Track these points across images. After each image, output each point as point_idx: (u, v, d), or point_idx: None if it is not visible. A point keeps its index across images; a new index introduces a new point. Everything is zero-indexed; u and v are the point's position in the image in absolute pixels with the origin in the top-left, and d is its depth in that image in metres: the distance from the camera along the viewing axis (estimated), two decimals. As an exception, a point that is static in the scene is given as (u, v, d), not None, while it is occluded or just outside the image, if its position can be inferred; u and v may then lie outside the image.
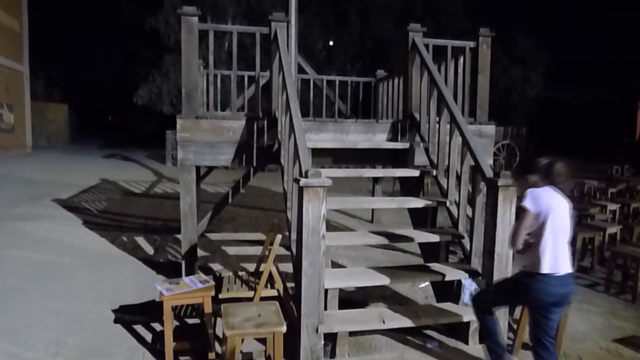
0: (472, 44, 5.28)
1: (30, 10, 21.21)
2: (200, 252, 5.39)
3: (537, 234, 2.76)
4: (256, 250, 6.19)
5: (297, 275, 3.43)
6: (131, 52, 21.19)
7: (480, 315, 3.14)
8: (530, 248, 2.80)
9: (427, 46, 5.11)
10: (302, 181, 3.11)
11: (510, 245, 2.96)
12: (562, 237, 2.77)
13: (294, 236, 3.74)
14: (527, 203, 2.74)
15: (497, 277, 3.55)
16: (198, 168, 5.11)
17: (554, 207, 2.75)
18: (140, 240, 6.80)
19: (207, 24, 4.61)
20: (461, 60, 5.33)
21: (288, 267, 4.22)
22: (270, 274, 3.86)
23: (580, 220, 7.75)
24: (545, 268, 2.73)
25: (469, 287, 3.80)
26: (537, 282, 2.74)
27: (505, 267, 3.59)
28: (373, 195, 8.12)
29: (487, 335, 3.13)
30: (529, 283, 2.79)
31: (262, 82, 5.20)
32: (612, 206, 8.18)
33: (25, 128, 20.38)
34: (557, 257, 2.74)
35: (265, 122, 4.76)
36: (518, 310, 3.80)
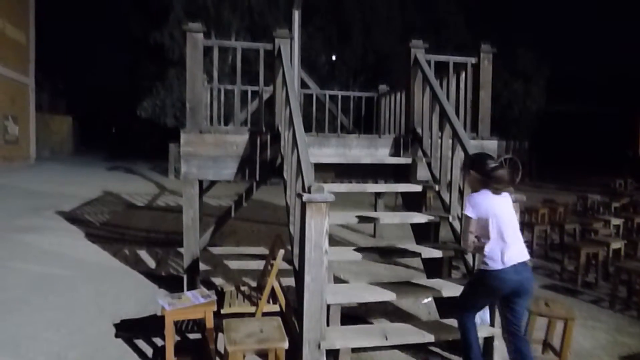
0: (473, 59, 5.32)
1: (37, 23, 21.49)
2: (202, 266, 5.39)
3: (484, 234, 3.05)
4: (258, 264, 6.18)
5: (299, 290, 3.43)
6: (136, 65, 21.38)
7: (461, 326, 3.25)
8: (481, 248, 3.06)
9: (429, 62, 5.15)
10: (305, 196, 3.12)
11: (463, 247, 3.32)
12: (508, 233, 3.00)
13: (296, 251, 3.74)
14: (468, 211, 3.07)
15: (500, 293, 3.53)
16: (201, 181, 5.13)
17: (493, 208, 3.02)
18: (142, 253, 6.80)
19: (211, 40, 4.64)
20: (463, 75, 5.36)
21: (290, 281, 4.21)
22: (273, 289, 3.85)
23: (584, 235, 7.74)
24: (497, 264, 2.98)
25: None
26: (492, 277, 3.00)
27: (508, 283, 3.57)
28: (375, 210, 8.12)
29: (464, 348, 3.24)
30: (486, 279, 3.04)
31: (265, 96, 5.24)
32: (615, 221, 8.16)
33: (29, 139, 20.52)
34: (505, 252, 2.97)
35: (269, 137, 4.79)
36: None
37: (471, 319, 3.23)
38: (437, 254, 4.13)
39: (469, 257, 4.12)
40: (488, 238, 3.01)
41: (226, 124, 7.46)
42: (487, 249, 3.00)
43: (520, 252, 3.03)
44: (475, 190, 3.15)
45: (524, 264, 3.01)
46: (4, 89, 18.19)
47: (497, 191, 3.05)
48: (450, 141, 4.43)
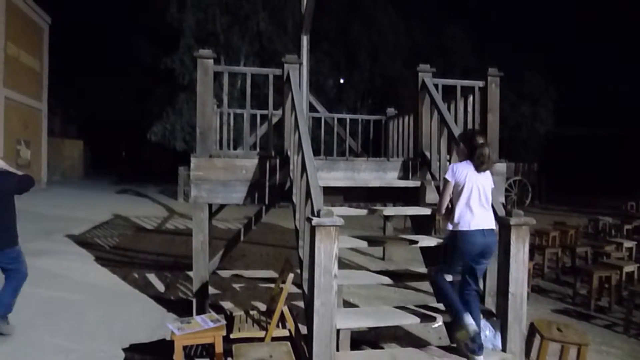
0: (481, 83, 5.35)
1: (51, 50, 22.01)
2: (211, 290, 5.38)
3: (455, 198, 3.40)
4: (267, 288, 6.16)
5: (308, 315, 3.41)
6: (146, 90, 21.73)
7: (438, 287, 3.58)
8: (451, 212, 3.40)
9: (436, 86, 5.19)
10: (315, 220, 3.13)
11: (437, 212, 3.60)
12: (478, 201, 3.35)
13: (305, 275, 3.73)
14: (448, 175, 3.44)
15: (511, 317, 3.50)
16: (210, 205, 5.16)
17: (469, 177, 3.37)
18: (152, 277, 6.80)
19: (221, 66, 4.75)
20: (470, 99, 5.39)
21: (299, 304, 4.19)
22: (282, 314, 3.83)
23: (596, 258, 7.64)
24: (465, 225, 3.32)
25: (484, 328, 3.73)
26: (463, 238, 3.33)
27: (520, 307, 3.53)
28: (384, 233, 8.09)
29: (443, 295, 3.53)
30: (457, 240, 3.36)
31: (274, 120, 5.30)
32: (628, 243, 8.06)
33: (41, 164, 20.78)
34: (473, 217, 3.32)
35: (278, 161, 4.82)
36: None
37: (444, 280, 3.53)
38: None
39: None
40: (456, 201, 3.37)
41: (235, 147, 7.53)
42: (457, 213, 3.35)
43: (488, 219, 3.38)
44: (461, 160, 3.52)
45: (490, 230, 3.36)
46: (17, 114, 18.54)
47: (478, 166, 3.38)
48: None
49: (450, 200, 3.46)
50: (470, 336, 3.29)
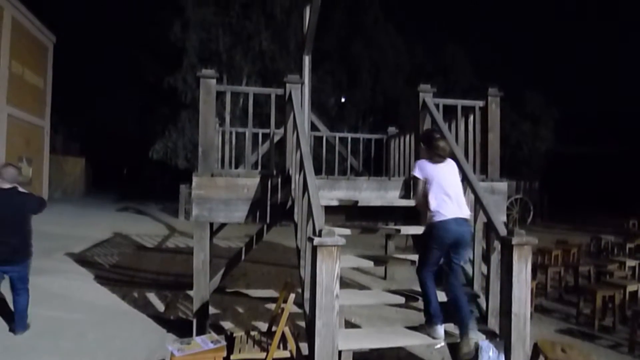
0: (481, 103, 5.39)
1: (55, 68, 22.24)
2: (211, 309, 5.34)
3: (428, 192, 3.62)
4: (269, 307, 6.12)
5: (310, 336, 3.37)
6: (149, 108, 21.87)
7: (421, 283, 3.70)
8: (425, 204, 3.63)
9: (437, 105, 5.23)
10: (316, 240, 3.12)
11: (416, 206, 3.91)
12: (449, 191, 3.58)
13: (307, 295, 3.71)
14: (416, 172, 3.72)
15: (515, 338, 3.46)
16: (211, 224, 5.16)
17: (436, 171, 3.63)
18: (151, 296, 6.76)
19: (224, 85, 4.80)
20: (471, 118, 5.42)
21: (301, 324, 4.15)
22: (283, 334, 3.80)
23: (599, 277, 7.58)
24: (440, 216, 3.52)
25: (487, 349, 3.69)
26: (437, 226, 3.53)
27: (523, 327, 3.50)
28: (386, 251, 8.06)
29: (424, 296, 3.70)
30: (433, 229, 3.56)
31: (275, 138, 5.32)
32: (630, 262, 8.02)
33: (42, 181, 20.83)
34: (446, 207, 3.53)
35: (279, 180, 4.83)
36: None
37: (429, 276, 3.66)
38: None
39: (482, 302, 4.07)
40: (429, 194, 3.59)
41: (237, 165, 7.55)
42: (432, 205, 3.57)
43: (461, 208, 3.59)
44: (424, 158, 3.78)
45: (463, 219, 3.56)
46: (20, 132, 18.64)
47: (440, 159, 3.68)
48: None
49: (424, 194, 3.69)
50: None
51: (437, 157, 3.69)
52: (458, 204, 3.58)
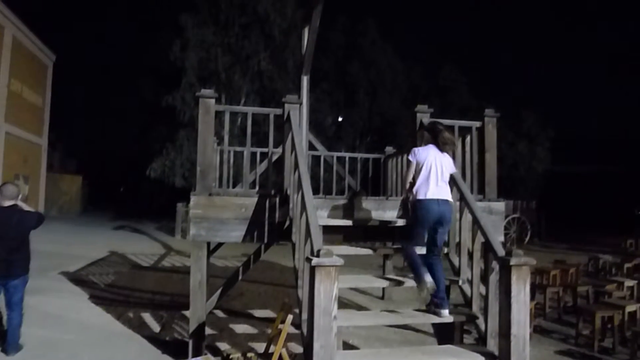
0: (478, 123, 5.43)
1: (54, 86, 22.37)
2: (207, 330, 5.27)
3: (417, 175, 4.05)
4: (266, 327, 6.06)
5: (307, 358, 3.33)
6: (147, 126, 21.92)
7: (407, 255, 4.04)
8: (414, 186, 4.07)
9: (434, 126, 5.26)
10: (314, 260, 3.11)
11: (403, 187, 4.40)
12: (435, 176, 3.98)
13: (304, 316, 3.67)
14: (411, 157, 4.13)
15: (514, 360, 3.42)
16: (208, 243, 5.13)
17: (428, 157, 4.04)
18: (147, 316, 6.68)
19: (223, 105, 4.84)
20: (468, 139, 5.46)
21: (298, 342, 4.11)
22: (281, 356, 3.76)
23: (597, 297, 7.54)
24: (422, 195, 3.96)
25: (486, 371, 3.66)
26: (421, 205, 3.95)
27: (522, 349, 3.46)
28: (384, 271, 8.02)
29: (410, 262, 4.01)
30: (417, 208, 3.99)
31: (273, 157, 5.34)
32: (629, 282, 7.99)
33: (38, 199, 20.78)
34: (431, 189, 3.94)
35: (277, 199, 4.83)
36: None
37: (413, 249, 4.00)
38: (447, 319, 4.04)
39: (480, 323, 4.04)
40: (417, 176, 4.02)
41: (235, 184, 7.55)
42: (417, 185, 4.01)
43: (443, 191, 3.99)
44: (422, 145, 4.22)
45: (445, 200, 3.97)
46: (17, 150, 18.66)
47: (443, 147, 4.08)
48: (458, 204, 4.45)
49: (413, 178, 4.12)
50: (430, 292, 3.83)
51: (443, 145, 4.09)
52: (440, 187, 3.98)
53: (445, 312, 3.90)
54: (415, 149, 4.14)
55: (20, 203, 4.89)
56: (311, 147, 7.87)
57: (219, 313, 6.78)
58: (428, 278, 3.84)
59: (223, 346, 5.48)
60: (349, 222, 4.89)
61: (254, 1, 18.29)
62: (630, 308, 6.27)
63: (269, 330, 4.49)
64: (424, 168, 4.02)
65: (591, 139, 32.34)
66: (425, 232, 4.05)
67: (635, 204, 24.87)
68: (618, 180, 27.84)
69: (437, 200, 3.92)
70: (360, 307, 7.51)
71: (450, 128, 5.45)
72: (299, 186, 4.08)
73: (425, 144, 4.18)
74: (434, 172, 4.00)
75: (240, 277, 5.86)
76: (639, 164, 26.94)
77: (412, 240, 4.07)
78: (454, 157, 4.37)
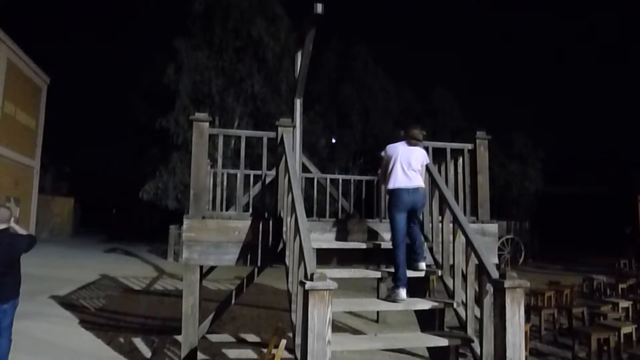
0: (470, 146, 5.47)
1: (48, 108, 22.37)
2: (200, 355, 5.18)
3: (389, 167, 4.53)
4: (258, 352, 5.97)
5: (301, 384, 3.28)
6: (140, 148, 21.89)
7: (395, 248, 4.30)
8: (384, 178, 4.60)
9: (426, 148, 5.29)
10: (308, 284, 3.09)
11: (379, 181, 5.25)
12: (401, 167, 4.45)
13: (298, 340, 3.63)
14: (383, 153, 4.68)
15: (511, 385, 3.38)
16: (201, 266, 5.09)
17: (398, 152, 4.53)
18: (138, 341, 6.57)
19: (217, 128, 4.86)
20: (460, 161, 5.49)
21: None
22: (273, 382, 3.70)
23: (593, 319, 7.52)
24: (391, 184, 4.45)
25: (482, 396, 3.62)
26: (394, 194, 4.43)
27: (519, 373, 3.43)
28: (378, 294, 7.95)
29: (394, 258, 4.30)
30: (391, 197, 4.48)
31: (267, 179, 5.34)
32: (624, 303, 7.99)
33: (29, 222, 20.55)
34: (399, 178, 4.42)
35: (271, 222, 4.82)
36: None
37: (402, 246, 4.29)
38: (443, 342, 4.01)
39: (475, 346, 4.00)
40: (389, 169, 4.50)
41: (228, 207, 7.52)
42: (389, 178, 4.48)
43: (413, 180, 4.42)
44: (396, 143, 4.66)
45: (415, 188, 4.41)
46: (9, 172, 18.54)
47: (413, 141, 4.57)
48: (451, 225, 4.46)
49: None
50: (397, 301, 4.14)
51: (410, 139, 4.57)
52: (408, 176, 4.41)
53: (422, 264, 4.48)
54: (388, 147, 4.67)
55: (14, 225, 4.85)
56: (304, 169, 7.89)
57: (212, 337, 6.68)
58: (402, 294, 4.15)
59: (215, 372, 5.40)
60: (342, 245, 4.87)
61: (247, 25, 18.54)
62: (625, 329, 6.26)
63: (263, 355, 4.42)
64: (391, 161, 4.51)
65: (580, 160, 32.72)
66: (403, 218, 4.37)
67: (624, 223, 24.98)
68: (611, 200, 27.99)
69: (407, 189, 4.37)
70: (354, 331, 7.43)
71: (442, 150, 5.53)
72: (293, 209, 4.07)
73: (398, 141, 4.66)
74: (399, 163, 4.46)
75: (233, 301, 5.80)
76: (626, 184, 27.15)
77: (397, 231, 4.34)
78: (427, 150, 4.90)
